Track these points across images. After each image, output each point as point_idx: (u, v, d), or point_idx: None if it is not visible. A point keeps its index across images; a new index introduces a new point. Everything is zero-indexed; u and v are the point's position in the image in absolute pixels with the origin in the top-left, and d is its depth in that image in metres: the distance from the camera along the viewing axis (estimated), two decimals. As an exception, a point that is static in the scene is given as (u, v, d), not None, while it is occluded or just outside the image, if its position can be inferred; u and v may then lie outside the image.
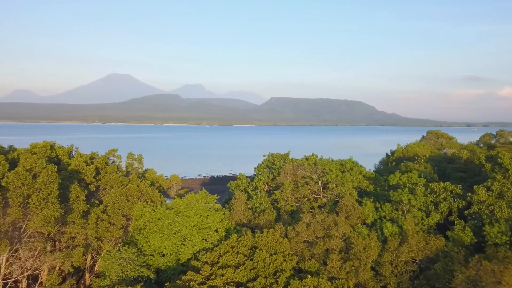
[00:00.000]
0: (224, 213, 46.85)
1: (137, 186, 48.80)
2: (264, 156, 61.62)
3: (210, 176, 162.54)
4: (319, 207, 46.87)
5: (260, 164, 59.13)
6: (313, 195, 47.67)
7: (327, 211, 45.41)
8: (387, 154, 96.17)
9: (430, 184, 44.26)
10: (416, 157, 79.33)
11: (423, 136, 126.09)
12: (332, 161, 52.29)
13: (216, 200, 47.91)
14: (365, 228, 39.48)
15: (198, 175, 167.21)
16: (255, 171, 58.00)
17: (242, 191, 53.23)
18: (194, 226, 42.84)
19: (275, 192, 49.11)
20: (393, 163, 71.90)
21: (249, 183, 54.52)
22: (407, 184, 45.60)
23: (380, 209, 42.85)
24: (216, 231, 43.54)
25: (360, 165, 53.04)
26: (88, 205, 42.88)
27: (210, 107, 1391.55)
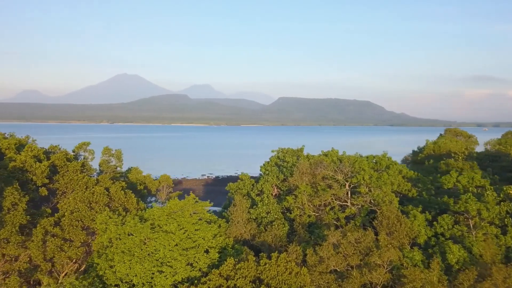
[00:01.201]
0: (219, 226, 35.11)
1: (105, 189, 37.18)
2: (272, 151, 49.68)
3: (214, 177, 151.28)
4: (347, 218, 34.84)
5: (268, 162, 47.19)
6: (338, 202, 35.66)
7: (358, 224, 33.36)
8: (414, 151, 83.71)
9: (504, 188, 32.01)
10: (453, 154, 66.92)
11: (440, 134, 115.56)
12: (361, 156, 40.14)
13: (208, 208, 36.16)
14: (418, 252, 27.41)
15: (202, 175, 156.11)
16: (261, 170, 46.02)
17: (244, 195, 41.34)
18: (176, 245, 31.13)
19: (287, 197, 37.23)
20: (430, 160, 59.54)
21: (253, 185, 42.63)
22: (469, 188, 33.37)
23: (436, 223, 30.68)
24: (207, 252, 31.78)
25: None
26: (28, 216, 31.28)
27: (218, 107, 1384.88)
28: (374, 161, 39.58)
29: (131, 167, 55.06)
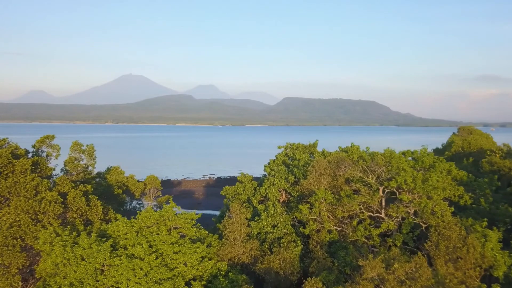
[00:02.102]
0: (209, 245, 26.14)
1: (62, 195, 28.30)
2: (279, 148, 40.59)
3: (215, 177, 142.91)
4: (382, 236, 25.65)
5: (274, 160, 38.10)
6: (368, 214, 26.48)
7: (399, 244, 24.13)
8: (437, 149, 74.35)
9: None
10: (489, 152, 57.49)
11: (453, 133, 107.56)
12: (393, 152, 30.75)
13: (195, 221, 27.09)
14: (500, 293, 18.13)
15: (203, 175, 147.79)
16: (265, 170, 36.80)
17: (243, 202, 32.30)
18: (146, 275, 22.16)
19: (300, 206, 28.08)
20: (470, 158, 50.06)
21: (255, 189, 33.52)
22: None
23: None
24: (189, 284, 22.77)
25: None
26: None
27: (223, 107, 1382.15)
28: (412, 158, 30.36)
29: (111, 167, 46.19)
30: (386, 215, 26.26)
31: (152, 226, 24.97)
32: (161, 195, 50.33)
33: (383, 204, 26.68)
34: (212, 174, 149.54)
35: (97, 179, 41.75)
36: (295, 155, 37.40)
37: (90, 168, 38.94)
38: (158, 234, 24.24)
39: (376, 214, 26.56)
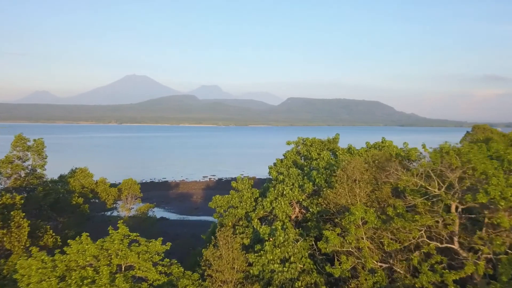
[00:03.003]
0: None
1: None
2: (288, 143, 30.80)
3: (217, 178, 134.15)
4: (459, 282, 15.89)
5: (282, 160, 28.35)
6: (435, 244, 16.72)
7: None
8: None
9: None
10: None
11: (467, 132, 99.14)
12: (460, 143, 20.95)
13: (162, 254, 17.42)
14: None
15: (203, 177, 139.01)
16: (270, 173, 26.86)
17: (239, 220, 22.58)
18: None
19: (326, 232, 18.29)
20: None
21: (256, 200, 23.75)
22: None
23: None
24: None
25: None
26: None
27: (227, 108, 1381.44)
28: (489, 156, 20.59)
29: (76, 168, 36.67)
30: (461, 247, 16.49)
31: (89, 266, 15.40)
32: (141, 202, 40.83)
33: (457, 229, 16.90)
34: (213, 175, 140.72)
35: (60, 184, 32.39)
36: (310, 153, 27.70)
37: (38, 170, 29.34)
38: (94, 281, 14.61)
39: (444, 245, 16.77)
